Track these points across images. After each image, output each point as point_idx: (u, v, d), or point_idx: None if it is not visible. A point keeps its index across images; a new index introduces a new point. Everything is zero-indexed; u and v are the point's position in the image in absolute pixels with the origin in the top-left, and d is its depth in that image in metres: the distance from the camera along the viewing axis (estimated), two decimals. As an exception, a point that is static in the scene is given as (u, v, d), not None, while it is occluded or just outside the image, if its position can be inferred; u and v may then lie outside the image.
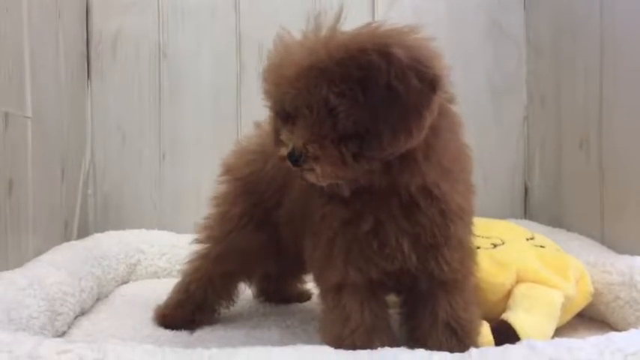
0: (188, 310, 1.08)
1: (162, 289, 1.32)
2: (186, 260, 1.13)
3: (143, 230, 1.55)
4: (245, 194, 1.06)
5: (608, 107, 1.25)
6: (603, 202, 1.27)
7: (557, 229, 1.40)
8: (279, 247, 1.06)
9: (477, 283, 0.91)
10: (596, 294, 1.04)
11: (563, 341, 0.71)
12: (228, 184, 1.10)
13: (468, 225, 0.87)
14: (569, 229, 1.38)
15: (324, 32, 0.76)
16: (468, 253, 0.87)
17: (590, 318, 1.06)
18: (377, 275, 0.84)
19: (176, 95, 1.63)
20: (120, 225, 1.59)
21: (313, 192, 0.87)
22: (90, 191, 1.60)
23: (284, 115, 0.79)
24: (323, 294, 0.90)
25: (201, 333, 1.05)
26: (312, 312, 1.18)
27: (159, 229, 1.58)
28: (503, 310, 0.97)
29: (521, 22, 1.65)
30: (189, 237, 1.51)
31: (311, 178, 0.77)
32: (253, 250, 1.05)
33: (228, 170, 1.11)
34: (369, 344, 0.80)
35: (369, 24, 0.77)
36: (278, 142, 0.83)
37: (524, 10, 1.65)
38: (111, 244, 1.39)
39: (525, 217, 1.63)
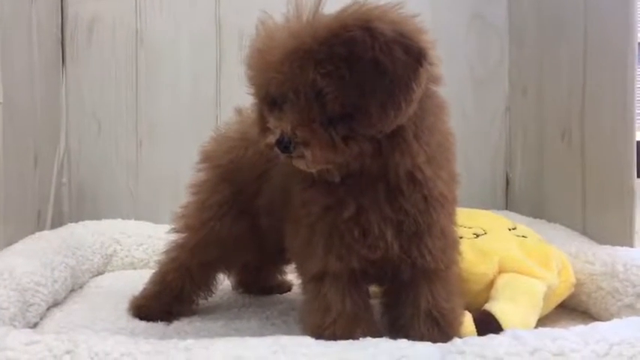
0: (165, 301, 1.05)
1: (139, 280, 1.29)
2: (163, 250, 1.10)
3: (119, 220, 1.52)
4: (225, 182, 1.03)
5: (590, 99, 1.25)
6: (585, 194, 1.26)
7: (538, 220, 1.40)
8: (260, 237, 1.03)
9: (460, 273, 0.90)
10: (578, 284, 1.03)
11: (547, 331, 0.70)
12: (208, 172, 1.07)
13: (451, 214, 0.86)
14: (550, 220, 1.38)
15: (306, 16, 0.74)
16: (450, 243, 0.86)
17: (572, 308, 1.06)
18: (358, 264, 0.82)
19: (153, 82, 1.59)
20: (95, 215, 1.55)
21: (294, 178, 0.85)
22: (64, 180, 1.56)
23: (270, 101, 0.77)
24: (304, 283, 0.88)
25: (178, 324, 1.03)
26: (293, 303, 1.16)
27: (136, 219, 1.54)
28: (486, 301, 0.95)
29: (505, 12, 1.64)
30: (167, 227, 1.49)
31: (301, 164, 0.75)
32: (233, 240, 1.03)
33: (208, 157, 1.08)
34: (350, 334, 0.78)
35: (351, 5, 0.75)
36: (264, 129, 0.81)
37: (507, 1, 1.64)
38: (86, 234, 1.36)
39: (507, 208, 1.63)
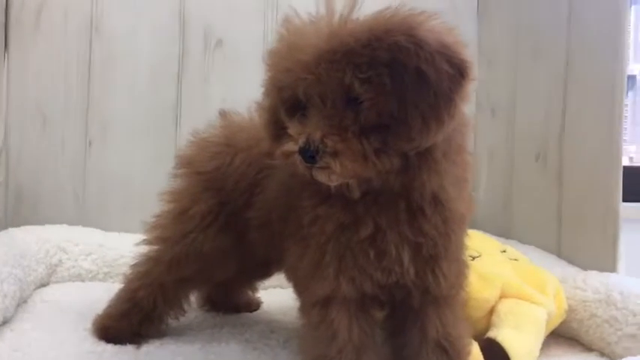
0: (134, 321, 0.95)
1: (90, 294, 1.19)
2: (132, 264, 0.99)
3: (65, 226, 1.37)
4: (209, 191, 0.94)
5: (571, 121, 1.25)
6: (561, 216, 1.26)
7: (510, 241, 1.39)
8: (244, 252, 0.95)
9: (466, 298, 0.86)
10: (569, 311, 1.01)
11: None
12: (188, 179, 0.98)
13: (465, 235, 0.81)
14: (521, 242, 1.37)
15: (340, 15, 0.68)
16: (463, 266, 0.81)
17: (558, 335, 1.03)
18: (370, 289, 0.76)
19: (108, 76, 1.45)
20: (35, 220, 1.39)
21: (302, 192, 0.78)
22: (1, 179, 1.40)
23: (291, 105, 0.69)
24: (306, 308, 0.80)
25: (149, 348, 0.93)
26: (269, 324, 1.08)
27: (82, 225, 1.40)
28: (486, 327, 0.92)
29: (474, 31, 1.63)
30: (118, 235, 1.38)
31: (322, 177, 0.68)
32: (216, 254, 0.94)
33: (188, 163, 0.99)
34: None
35: (384, 9, 0.69)
36: (277, 135, 0.73)
37: (476, 20, 1.64)
38: (29, 242, 1.21)
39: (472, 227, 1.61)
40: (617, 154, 1.12)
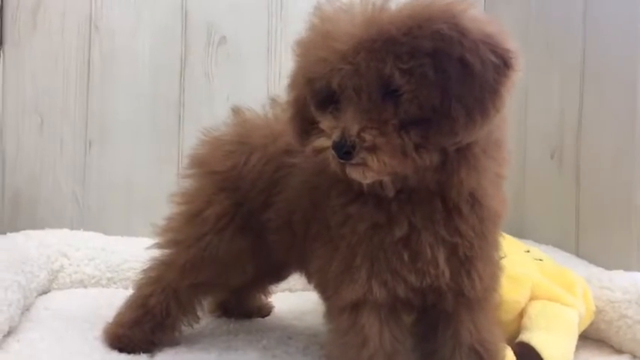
0: (147, 329, 0.90)
1: (95, 300, 1.15)
2: (143, 269, 0.95)
3: (65, 231, 1.32)
4: (224, 191, 0.90)
5: (588, 118, 1.22)
6: (579, 214, 1.23)
7: (524, 241, 1.35)
8: (262, 255, 0.91)
9: (499, 300, 0.82)
10: (596, 311, 0.98)
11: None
12: (200, 179, 0.93)
13: (499, 235, 0.78)
14: (536, 241, 1.34)
15: (372, 4, 0.64)
16: (496, 268, 0.78)
17: (585, 337, 0.99)
18: (404, 292, 0.72)
19: (108, 75, 1.40)
20: (33, 224, 1.34)
21: (330, 190, 0.74)
22: (-3, 183, 1.34)
23: (323, 98, 0.65)
24: (334, 313, 0.76)
25: (163, 356, 0.88)
26: (285, 330, 1.03)
27: (83, 229, 1.35)
28: (516, 330, 0.88)
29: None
30: (120, 239, 1.33)
31: (357, 174, 0.64)
32: (232, 258, 0.90)
33: (201, 163, 0.94)
34: None
35: None
36: (302, 131, 0.69)
37: (483, 12, 1.60)
38: (30, 247, 1.16)
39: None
40: (639, 150, 1.09)
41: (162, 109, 1.42)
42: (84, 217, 1.38)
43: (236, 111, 0.97)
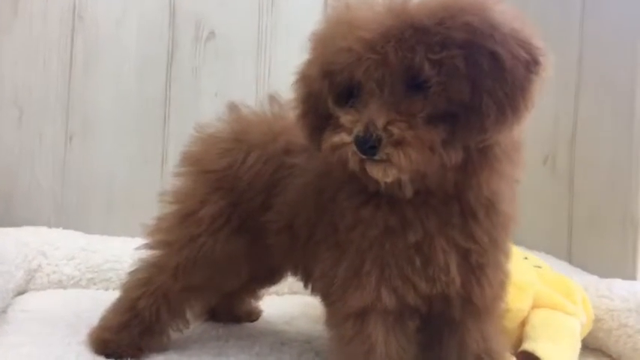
0: (135, 334, 0.86)
1: (75, 302, 1.10)
2: (130, 270, 0.90)
3: (43, 229, 1.26)
4: (219, 191, 0.86)
5: (583, 122, 1.21)
6: (572, 221, 1.22)
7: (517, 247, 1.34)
8: (258, 258, 0.87)
9: (505, 309, 0.80)
10: (595, 320, 0.96)
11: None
12: (194, 178, 0.89)
13: (510, 241, 0.76)
14: (528, 248, 1.32)
15: None
16: (504, 275, 0.75)
17: (584, 346, 0.97)
18: (413, 299, 0.69)
19: (91, 67, 1.35)
20: (8, 221, 1.27)
21: (339, 192, 0.71)
22: (-29, 177, 1.28)
23: (342, 90, 0.62)
24: (338, 319, 0.73)
25: (152, 363, 0.83)
26: (277, 335, 1.00)
27: (63, 228, 1.29)
28: (518, 339, 0.86)
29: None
30: (101, 238, 1.28)
31: (378, 172, 0.60)
32: (227, 260, 0.86)
33: (194, 161, 0.90)
34: None
35: None
36: (315, 128, 0.66)
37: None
38: (7, 245, 1.10)
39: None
40: (637, 157, 1.08)
41: (147, 105, 1.37)
42: (63, 214, 1.32)
43: (232, 107, 0.92)
